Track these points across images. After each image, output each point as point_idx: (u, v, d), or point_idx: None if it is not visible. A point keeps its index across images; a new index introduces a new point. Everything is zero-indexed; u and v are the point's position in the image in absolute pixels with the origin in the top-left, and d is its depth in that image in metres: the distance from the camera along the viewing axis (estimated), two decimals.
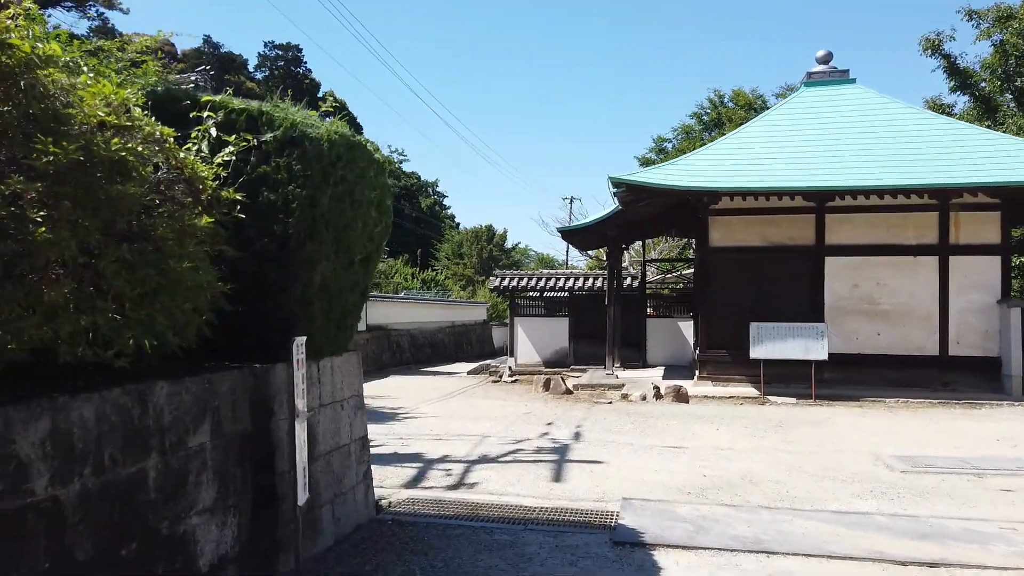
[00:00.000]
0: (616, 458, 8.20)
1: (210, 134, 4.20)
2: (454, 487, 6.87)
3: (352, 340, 5.47)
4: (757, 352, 14.43)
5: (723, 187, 14.52)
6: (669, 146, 38.90)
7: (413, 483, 7.01)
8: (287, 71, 66.59)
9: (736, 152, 16.03)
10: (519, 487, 6.82)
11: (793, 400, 14.09)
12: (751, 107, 35.64)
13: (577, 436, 9.84)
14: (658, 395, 14.02)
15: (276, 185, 4.25)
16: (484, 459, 8.06)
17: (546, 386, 16.12)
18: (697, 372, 16.04)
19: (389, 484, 6.93)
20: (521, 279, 21.60)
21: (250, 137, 4.22)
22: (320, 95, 67.05)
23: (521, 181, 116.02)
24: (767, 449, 8.98)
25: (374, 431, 9.94)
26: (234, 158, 4.19)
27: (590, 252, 34.07)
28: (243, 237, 4.22)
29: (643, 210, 16.95)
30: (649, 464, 7.94)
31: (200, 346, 4.10)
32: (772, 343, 14.42)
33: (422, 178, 76.41)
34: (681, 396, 13.83)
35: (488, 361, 26.89)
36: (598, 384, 16.65)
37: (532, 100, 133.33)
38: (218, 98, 4.37)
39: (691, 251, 28.48)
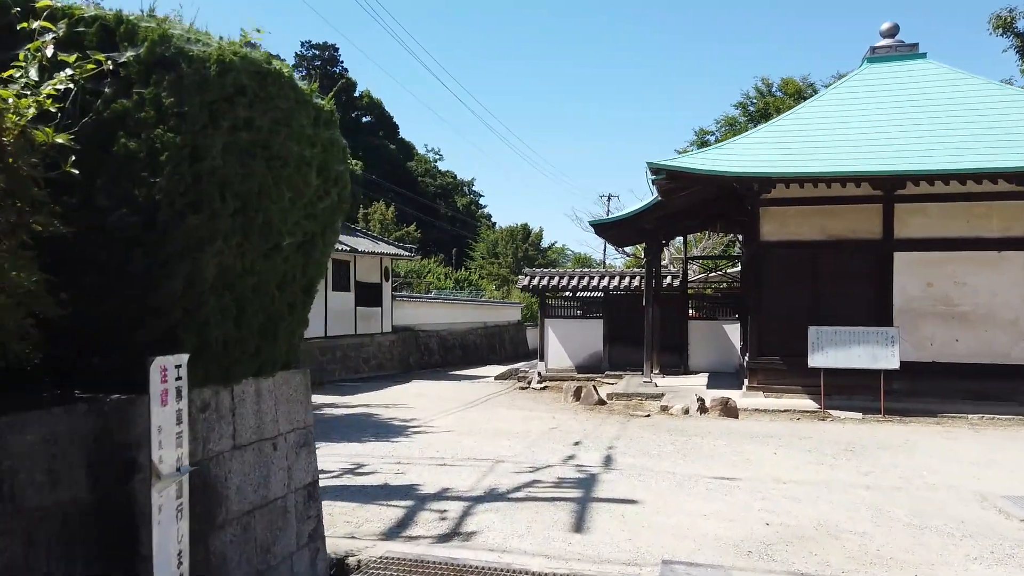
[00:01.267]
0: (654, 495, 6.66)
1: (44, 54, 2.81)
2: (446, 537, 5.40)
3: (293, 354, 4.05)
4: (817, 360, 12.69)
5: (777, 172, 12.82)
6: (712, 139, 37.02)
7: (396, 531, 5.56)
8: (324, 71, 66.15)
9: (790, 134, 14.29)
10: (528, 540, 5.33)
11: (859, 415, 12.33)
12: (801, 96, 33.54)
13: (608, 461, 8.31)
14: (703, 408, 12.39)
15: (138, 127, 2.83)
16: (491, 494, 6.59)
17: (577, 395, 14.59)
18: (746, 381, 14.33)
19: (365, 532, 5.50)
20: (552, 278, 20.07)
21: (102, 58, 2.81)
22: (357, 94, 66.58)
23: (557, 178, 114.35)
24: (840, 483, 7.33)
25: (371, 452, 8.55)
26: (76, 87, 2.80)
27: (627, 250, 32.39)
28: (91, 206, 2.83)
29: (684, 201, 15.31)
30: (696, 505, 6.38)
31: (39, 368, 2.77)
32: (834, 350, 12.67)
33: (458, 177, 75.50)
34: (729, 410, 12.17)
35: (518, 365, 25.42)
36: (635, 393, 15.06)
37: (568, 96, 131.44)
38: (61, 4, 2.98)
39: (736, 247, 26.66)
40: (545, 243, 62.00)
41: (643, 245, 30.12)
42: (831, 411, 12.61)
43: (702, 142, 36.89)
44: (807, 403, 13.16)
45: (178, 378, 2.89)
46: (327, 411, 13.25)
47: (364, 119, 67.15)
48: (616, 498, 6.47)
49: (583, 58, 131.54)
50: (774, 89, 35.56)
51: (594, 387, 14.48)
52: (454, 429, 11.01)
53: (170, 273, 2.90)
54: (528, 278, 20.21)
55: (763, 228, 14.15)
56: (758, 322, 14.07)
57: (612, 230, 15.93)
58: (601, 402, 14.06)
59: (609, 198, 47.59)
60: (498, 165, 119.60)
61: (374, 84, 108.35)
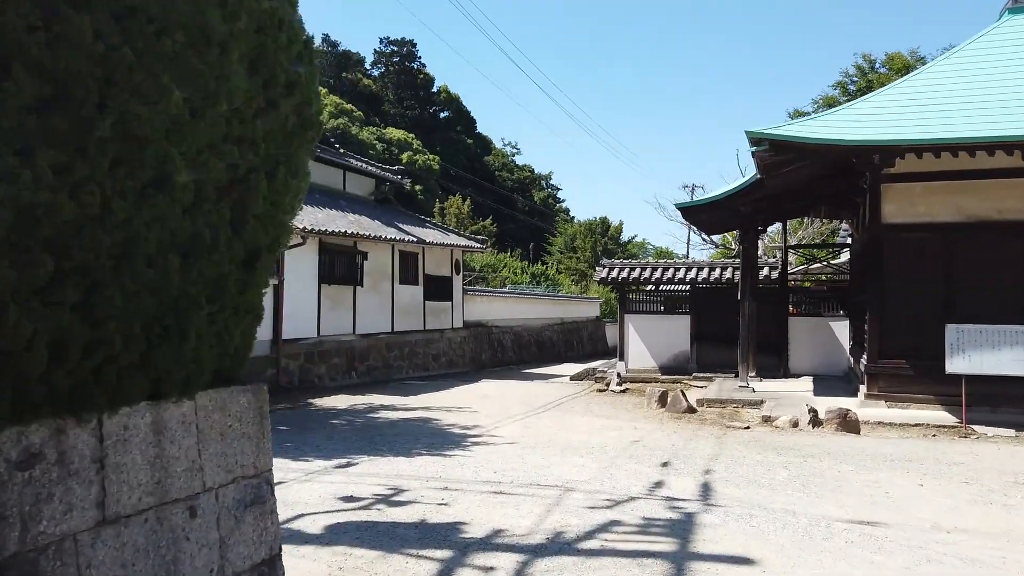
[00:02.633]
0: (775, 550, 4.95)
1: None
2: None
3: (235, 363, 2.62)
4: (956, 365, 10.54)
5: (905, 140, 10.73)
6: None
7: None
8: (402, 67, 66.10)
9: (918, 97, 12.08)
10: None
11: (1010, 432, 10.15)
12: (909, 71, 30.47)
13: (706, 493, 6.61)
14: (815, 420, 10.44)
15: None
16: (555, 543, 5.03)
17: (662, 401, 12.84)
18: (863, 388, 12.23)
19: None
20: (633, 270, 18.29)
21: None
22: (435, 90, 66.10)
23: (638, 167, 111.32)
24: None
25: (416, 471, 7.14)
26: None
27: (715, 240, 30.15)
28: None
29: (787, 180, 13.30)
30: (836, 569, 4.64)
31: None
32: (978, 353, 10.49)
33: (535, 171, 74.20)
34: (849, 423, 10.20)
35: (595, 364, 23.74)
36: (729, 400, 13.19)
37: (651, 81, 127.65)
38: None
39: (840, 235, 24.14)
40: (625, 237, 59.79)
41: (735, 233, 27.91)
42: (973, 426, 10.46)
43: None
44: (941, 415, 11.02)
45: None
46: (382, 415, 11.98)
47: (442, 114, 66.71)
48: (724, 555, 4.80)
49: (666, 40, 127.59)
50: (877, 66, 32.49)
51: (682, 392, 12.69)
52: (519, 440, 9.51)
53: None
54: (606, 270, 18.50)
55: (884, 209, 12.00)
56: (878, 319, 11.95)
57: (702, 214, 14.06)
58: (691, 409, 12.27)
59: (693, 189, 45.18)
60: (577, 157, 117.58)
61: (452, 79, 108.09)
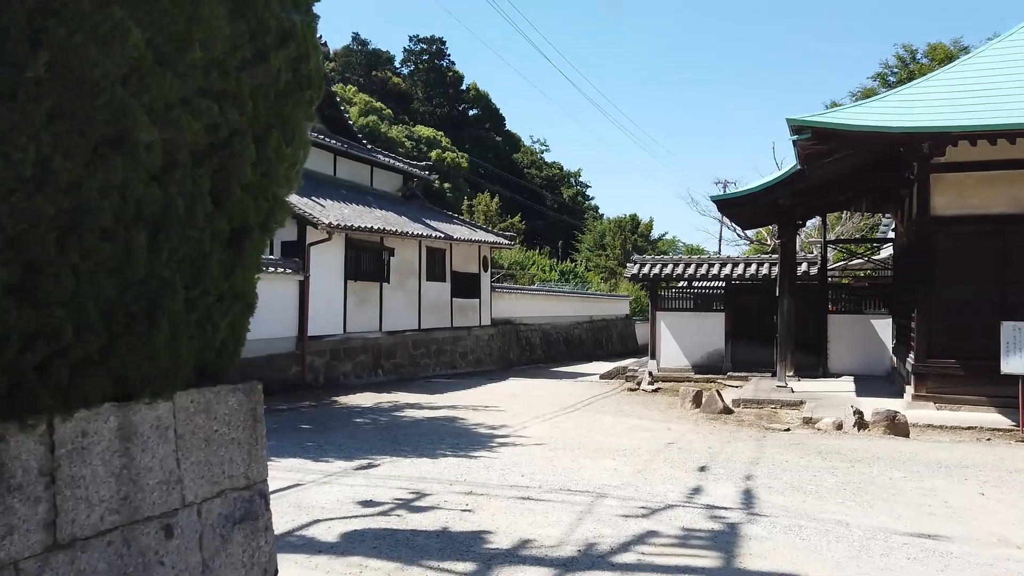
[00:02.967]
0: (829, 568, 4.50)
1: None
2: None
3: (222, 358, 2.28)
4: (1013, 364, 9.92)
5: (958, 126, 10.13)
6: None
7: None
8: (431, 65, 66.10)
9: (969, 82, 11.44)
10: None
11: None
12: (951, 62, 29.45)
13: (748, 500, 6.17)
14: (861, 423, 9.89)
15: None
16: (588, 556, 4.64)
17: (696, 401, 12.36)
18: (910, 389, 11.64)
19: None
20: (665, 265, 17.78)
21: None
22: (464, 87, 65.94)
23: (670, 165, 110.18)
24: None
25: (441, 473, 6.80)
26: None
27: (748, 235, 29.46)
28: None
29: (828, 171, 12.73)
30: None
31: None
32: None
33: (564, 168, 73.74)
34: (897, 426, 9.64)
35: (625, 362, 23.27)
36: (767, 400, 12.67)
37: (682, 76, 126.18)
38: None
39: (878, 230, 23.35)
40: (655, 234, 59.05)
41: (771, 228, 27.21)
42: None
43: None
44: (995, 418, 10.40)
45: None
46: (407, 414, 11.68)
47: (471, 112, 66.60)
48: (774, 572, 4.37)
49: (698, 33, 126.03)
50: (919, 56, 31.47)
51: (717, 392, 12.20)
52: (547, 442, 9.13)
53: None
54: (637, 266, 18.01)
55: (934, 201, 11.38)
56: (926, 317, 11.35)
57: (739, 208, 13.53)
58: (727, 410, 11.78)
59: (725, 184, 44.36)
60: (606, 154, 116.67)
61: (481, 77, 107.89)
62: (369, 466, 7.30)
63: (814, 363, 16.33)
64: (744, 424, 10.93)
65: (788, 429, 10.36)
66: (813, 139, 10.48)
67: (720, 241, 44.32)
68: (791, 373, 14.49)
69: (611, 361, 28.26)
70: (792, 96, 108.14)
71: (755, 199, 13.21)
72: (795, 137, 10.51)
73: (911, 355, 11.86)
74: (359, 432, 9.65)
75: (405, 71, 65.97)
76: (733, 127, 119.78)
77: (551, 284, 38.48)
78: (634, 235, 56.29)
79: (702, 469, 7.48)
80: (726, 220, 30.86)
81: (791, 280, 14.00)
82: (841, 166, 12.58)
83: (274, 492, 6.05)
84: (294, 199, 15.91)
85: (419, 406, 12.75)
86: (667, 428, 10.49)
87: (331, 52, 57.59)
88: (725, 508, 5.87)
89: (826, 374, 16.30)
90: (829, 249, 17.52)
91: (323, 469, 7.06)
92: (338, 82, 49.55)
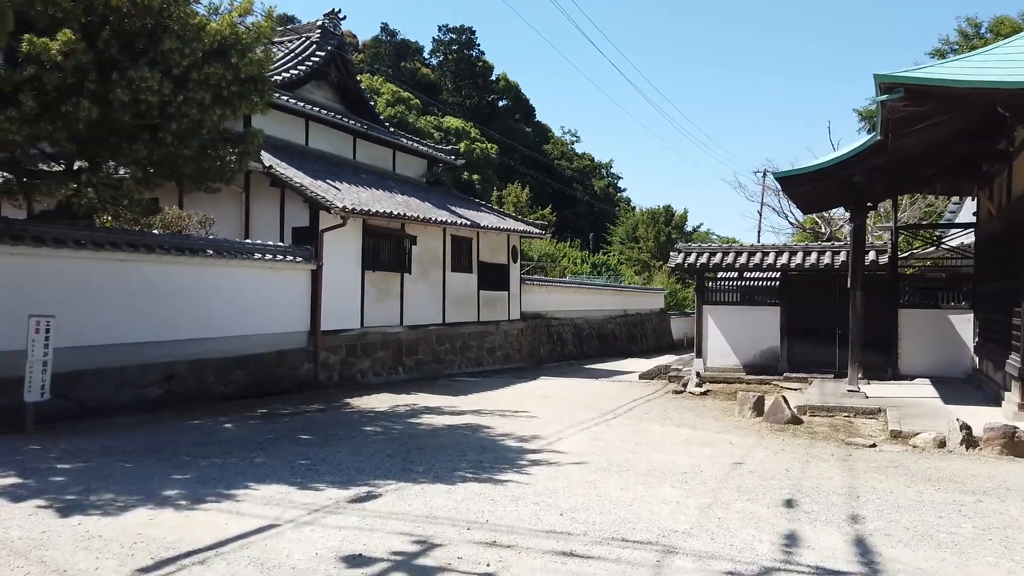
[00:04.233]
0: None
1: None
2: None
3: None
4: None
5: None
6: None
7: None
8: (460, 55, 64.70)
9: None
10: None
11: None
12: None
13: (867, 557, 4.57)
14: (969, 440, 8.18)
15: None
16: None
17: (758, 408, 10.72)
18: (1013, 397, 9.86)
19: None
20: (713, 254, 16.08)
21: None
22: (493, 78, 64.41)
23: (708, 153, 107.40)
24: None
25: (456, 508, 5.32)
26: None
27: (793, 222, 27.51)
28: None
29: (911, 143, 10.98)
30: None
31: None
32: None
33: (595, 159, 71.91)
34: (1018, 445, 7.92)
35: (665, 359, 21.62)
36: (838, 407, 11.01)
37: (724, 57, 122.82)
38: None
39: (944, 216, 21.34)
40: (689, 226, 56.97)
41: (822, 216, 25.23)
42: None
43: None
44: None
45: None
46: (425, 420, 10.23)
47: (500, 103, 65.15)
48: None
49: (737, 12, 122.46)
50: (983, 30, 29.17)
51: (783, 398, 10.52)
52: (588, 459, 7.60)
53: None
54: (682, 255, 16.33)
55: None
56: None
57: (805, 186, 11.80)
58: (795, 419, 10.12)
59: (765, 174, 42.30)
60: (639, 143, 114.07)
61: (511, 67, 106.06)
62: (368, 496, 5.83)
63: (882, 363, 14.59)
64: (818, 437, 9.28)
65: (874, 445, 8.69)
66: (905, 99, 8.75)
67: (759, 232, 42.34)
68: (859, 375, 12.77)
69: (646, 358, 26.61)
70: (839, 78, 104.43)
71: (825, 176, 11.47)
72: (883, 98, 8.80)
73: (1012, 356, 10.09)
74: (366, 445, 8.21)
75: (434, 62, 64.66)
76: (775, 114, 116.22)
77: (583, 277, 36.88)
78: (668, 227, 54.44)
79: (789, 504, 5.89)
80: (767, 208, 28.90)
81: (864, 269, 12.23)
82: (927, 136, 10.82)
83: (235, 539, 4.61)
84: (307, 181, 14.53)
85: (440, 410, 11.30)
86: (728, 442, 8.89)
87: (359, 43, 56.46)
88: (842, 572, 4.29)
89: (895, 375, 14.55)
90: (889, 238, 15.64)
91: (310, 502, 5.61)
92: (366, 73, 48.33)
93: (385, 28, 61.61)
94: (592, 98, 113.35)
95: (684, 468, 7.27)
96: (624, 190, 74.87)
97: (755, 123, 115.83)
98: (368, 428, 9.47)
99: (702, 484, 6.58)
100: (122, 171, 10.24)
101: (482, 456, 7.71)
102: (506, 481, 6.50)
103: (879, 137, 10.50)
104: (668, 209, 55.56)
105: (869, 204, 13.19)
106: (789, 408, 10.25)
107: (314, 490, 5.97)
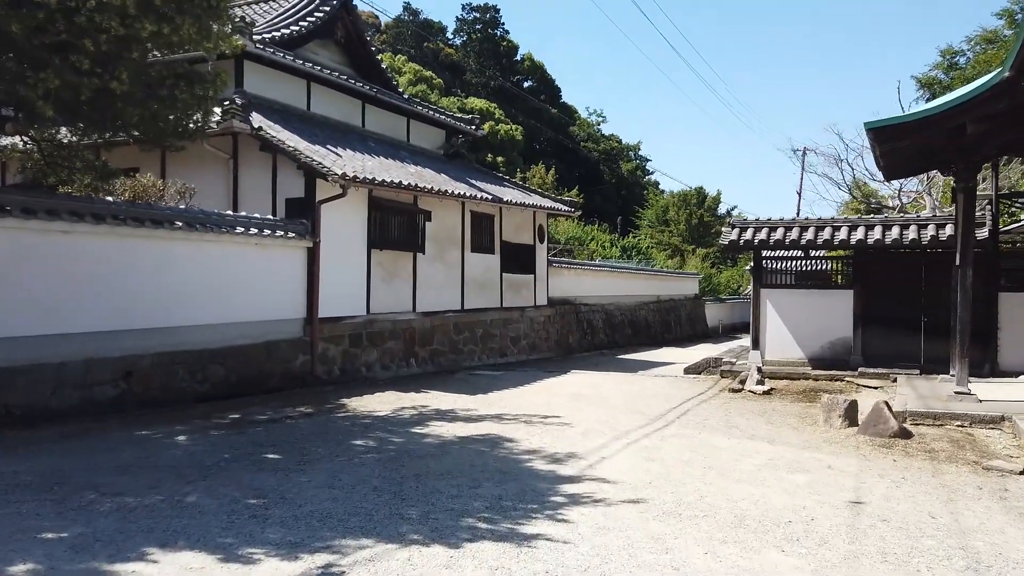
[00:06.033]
0: None
1: None
2: None
3: None
4: None
5: None
6: (963, 60, 28.40)
7: None
8: (484, 34, 62.45)
9: None
10: None
11: None
12: None
13: None
14: None
15: None
16: None
17: (850, 416, 8.53)
18: None
19: None
20: (774, 229, 13.82)
21: None
22: (518, 58, 62.10)
23: (743, 129, 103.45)
24: None
25: None
26: None
27: (835, 202, 24.96)
28: None
29: None
30: None
31: None
32: None
33: (623, 141, 69.33)
34: None
35: (705, 348, 19.43)
36: (947, 414, 8.81)
37: (765, 21, 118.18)
38: None
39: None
40: (722, 209, 54.35)
41: (896, 187, 22.52)
42: None
43: (951, 65, 28.38)
44: None
45: None
46: (432, 430, 8.20)
47: (525, 83, 62.89)
48: None
49: None
50: None
51: (886, 404, 8.31)
52: (647, 496, 5.52)
53: None
54: (737, 230, 14.08)
55: None
56: None
57: (901, 140, 9.48)
58: (902, 433, 7.93)
59: (804, 153, 39.72)
60: (668, 122, 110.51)
61: (536, 47, 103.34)
62: (325, 572, 3.82)
63: (978, 358, 12.27)
64: (940, 459, 7.10)
65: (1022, 471, 6.51)
66: None
67: (798, 210, 39.79)
68: (954, 371, 10.52)
69: (682, 347, 24.43)
70: (892, 47, 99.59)
71: (928, 126, 9.16)
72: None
73: None
74: (348, 470, 6.20)
75: (457, 42, 62.49)
76: (815, 87, 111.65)
77: (613, 261, 34.68)
78: (700, 209, 52.02)
79: None
80: (806, 187, 26.27)
81: (972, 243, 9.94)
82: None
83: None
84: (302, 146, 12.52)
85: (453, 415, 9.30)
86: (826, 466, 6.75)
87: (381, 24, 54.48)
88: None
89: (995, 372, 12.28)
90: (990, 208, 13.22)
91: None
92: (388, 52, 46.35)
93: (407, 7, 59.58)
94: (619, 78, 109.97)
95: (785, 513, 5.16)
96: (652, 173, 72.22)
97: (801, 98, 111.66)
98: (358, 442, 7.47)
99: (823, 545, 4.47)
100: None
101: (502, 489, 5.67)
102: (534, 538, 4.45)
103: (1007, 73, 8.22)
104: (700, 191, 53.10)
105: (983, 163, 10.84)
106: (894, 417, 8.06)
107: (246, 559, 3.97)
